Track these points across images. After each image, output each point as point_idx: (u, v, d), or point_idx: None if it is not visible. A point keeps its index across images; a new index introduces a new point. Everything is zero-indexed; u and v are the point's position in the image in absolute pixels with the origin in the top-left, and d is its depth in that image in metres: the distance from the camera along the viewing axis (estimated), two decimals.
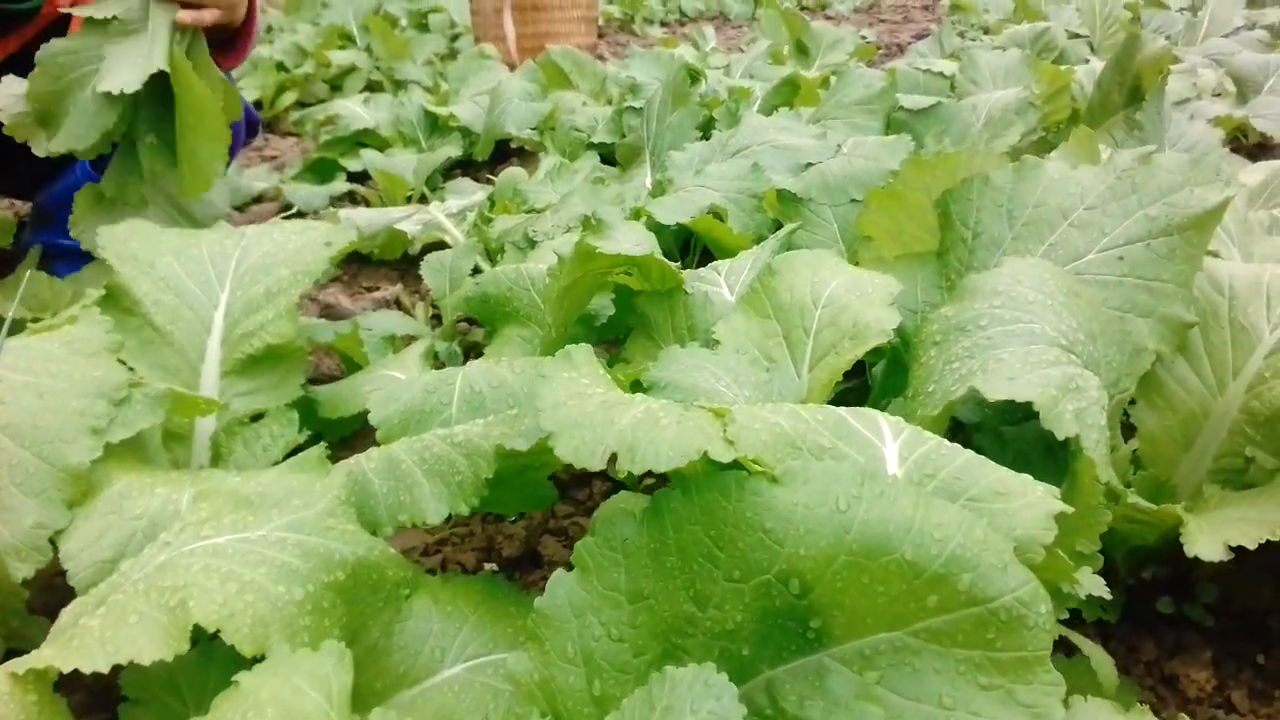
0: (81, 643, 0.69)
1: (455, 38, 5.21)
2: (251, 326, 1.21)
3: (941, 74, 2.89)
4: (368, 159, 2.63)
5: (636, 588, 0.69)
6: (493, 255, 2.00)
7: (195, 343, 1.21)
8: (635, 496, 1.12)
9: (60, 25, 1.77)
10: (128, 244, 1.23)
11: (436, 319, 1.98)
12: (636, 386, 0.96)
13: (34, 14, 1.74)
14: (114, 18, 1.37)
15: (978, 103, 2.44)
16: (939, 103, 2.28)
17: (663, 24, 7.59)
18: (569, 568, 1.19)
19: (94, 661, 0.67)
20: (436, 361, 1.55)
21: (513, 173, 2.39)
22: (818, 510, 0.64)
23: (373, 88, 4.06)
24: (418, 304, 1.97)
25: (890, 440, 0.74)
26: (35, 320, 1.13)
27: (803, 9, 8.43)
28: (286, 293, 1.21)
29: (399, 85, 4.13)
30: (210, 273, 1.25)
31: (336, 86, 4.02)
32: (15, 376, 0.94)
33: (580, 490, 1.36)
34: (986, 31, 5.51)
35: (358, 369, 1.51)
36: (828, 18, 8.33)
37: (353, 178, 2.80)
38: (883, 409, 1.18)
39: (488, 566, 1.22)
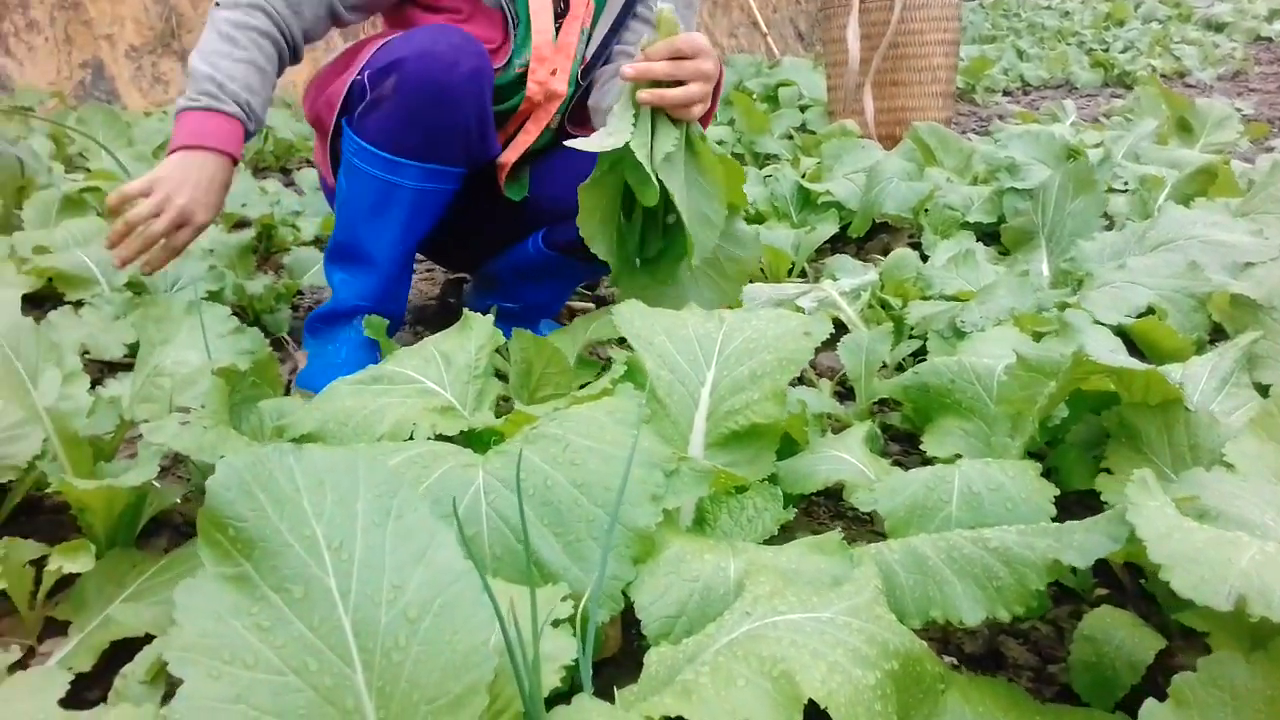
0: (700, 698, 0.78)
1: (804, 109, 5.37)
2: (737, 405, 1.32)
3: None
4: None
5: None
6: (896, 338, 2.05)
7: (685, 416, 1.34)
8: (1122, 613, 1.10)
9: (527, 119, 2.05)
10: (633, 323, 1.39)
11: (838, 395, 2.04)
12: None
13: (514, 111, 2.02)
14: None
15: None
16: None
17: (1005, 93, 7.40)
18: (1037, 674, 1.20)
19: (718, 717, 0.76)
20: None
21: (903, 254, 2.43)
22: None
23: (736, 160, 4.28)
24: (821, 380, 2.05)
25: None
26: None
27: (1160, 78, 7.91)
28: (772, 376, 1.31)
29: (758, 158, 4.32)
30: (698, 352, 1.38)
31: None
32: (581, 440, 1.09)
33: None
34: None
35: (790, 443, 1.60)
36: (1188, 86, 7.76)
37: None
38: None
39: (946, 660, 1.24)
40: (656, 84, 1.57)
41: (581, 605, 0.89)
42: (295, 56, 1.91)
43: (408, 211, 1.89)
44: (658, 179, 1.56)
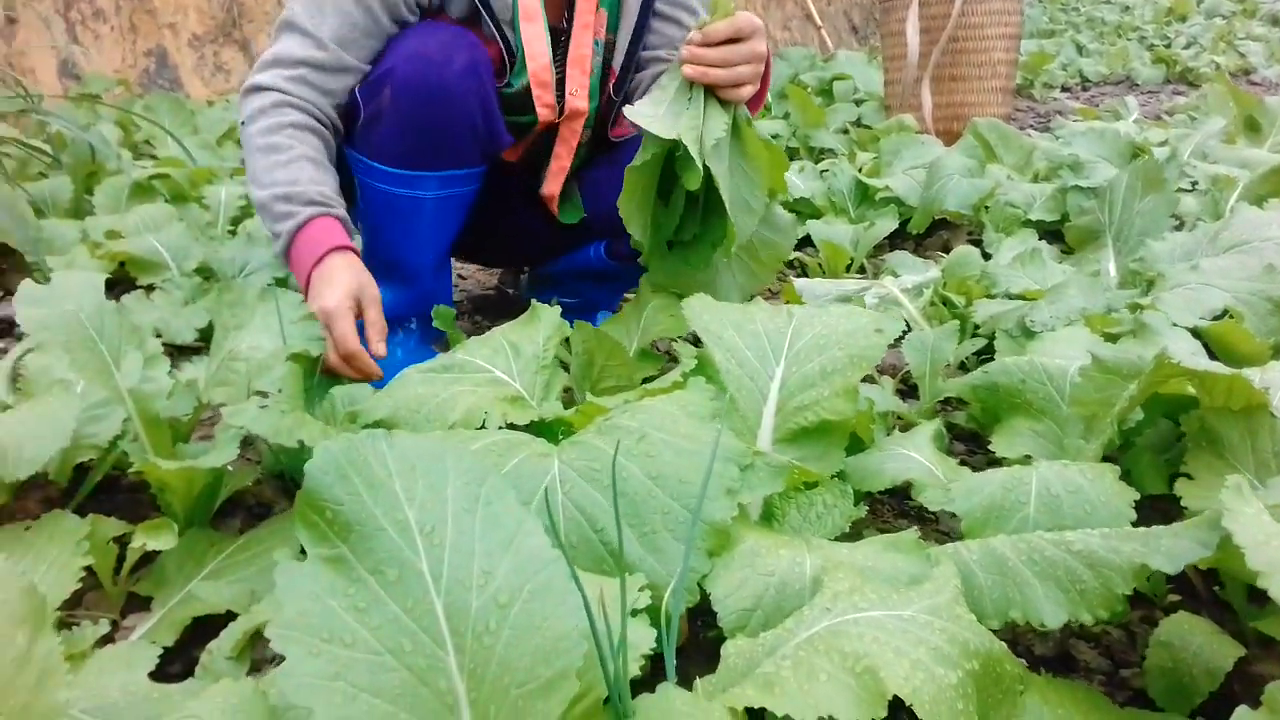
0: (783, 690, 0.79)
1: (859, 103, 5.33)
2: (806, 401, 1.32)
3: None
4: (813, 229, 2.76)
5: None
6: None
7: (754, 410, 1.34)
8: (1199, 620, 1.09)
9: (550, 131, 2.00)
10: (701, 317, 1.39)
11: (899, 393, 2.03)
12: None
13: (534, 125, 1.97)
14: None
15: None
16: None
17: (1064, 89, 7.27)
18: (1109, 679, 1.18)
19: (801, 711, 0.76)
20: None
21: (965, 251, 2.41)
22: None
23: (789, 155, 4.26)
24: (883, 378, 2.03)
25: None
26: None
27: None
28: (843, 373, 1.31)
29: (813, 152, 4.30)
30: (767, 347, 1.38)
31: None
32: (655, 433, 1.10)
33: None
34: None
35: (856, 441, 1.59)
36: (1252, 84, 7.58)
37: None
38: None
39: None
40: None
41: (666, 597, 0.90)
42: (338, 135, 1.82)
43: (432, 220, 1.85)
44: (704, 165, 1.56)
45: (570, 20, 1.90)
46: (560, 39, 1.91)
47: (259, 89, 1.72)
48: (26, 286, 1.31)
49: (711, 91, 1.59)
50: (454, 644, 0.74)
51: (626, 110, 1.54)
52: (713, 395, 1.18)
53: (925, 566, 0.98)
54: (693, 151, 1.52)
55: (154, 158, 3.55)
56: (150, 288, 2.26)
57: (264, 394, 1.35)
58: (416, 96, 1.71)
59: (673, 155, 1.60)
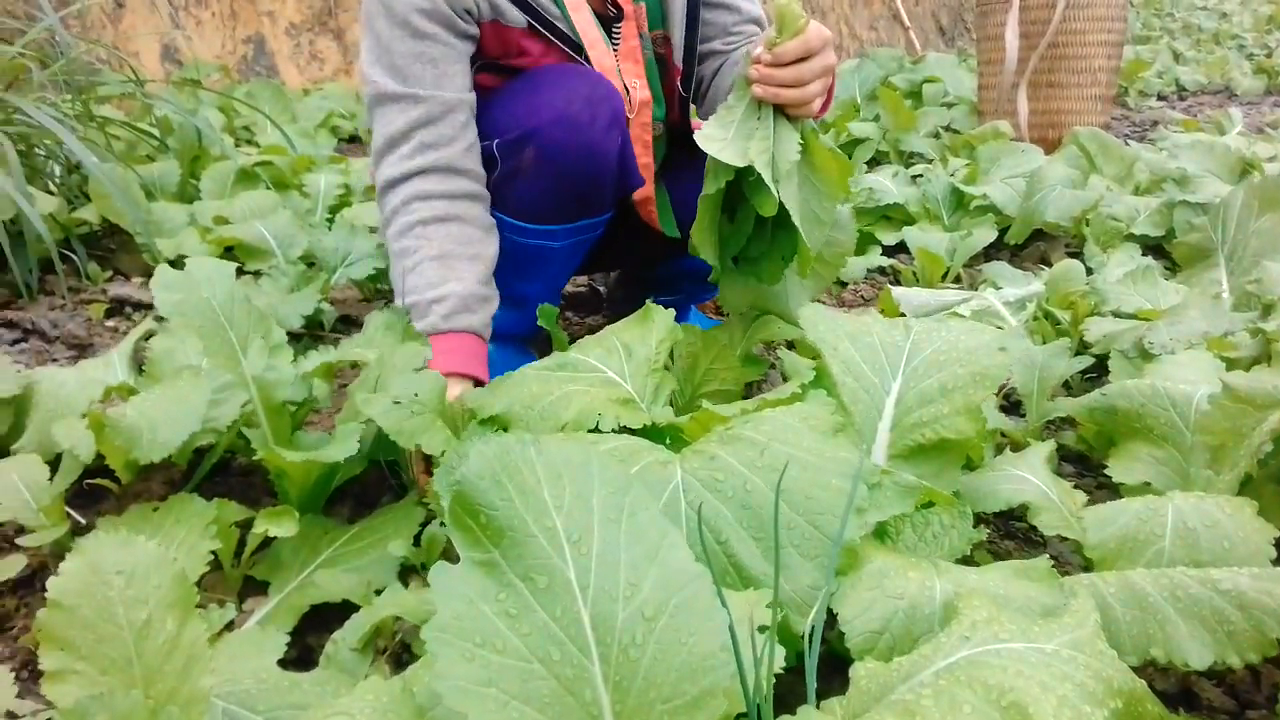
0: (925, 719, 0.77)
1: (949, 106, 5.23)
2: (925, 417, 1.29)
3: None
4: (909, 236, 2.72)
5: None
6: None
7: (869, 424, 1.32)
8: None
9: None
10: (817, 327, 1.38)
11: (1000, 410, 1.99)
12: None
13: None
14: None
15: None
16: None
17: (1160, 97, 7.06)
18: (1235, 718, 1.15)
19: None
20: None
21: (1069, 265, 2.34)
22: None
23: (878, 159, 4.20)
24: None
25: None
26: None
27: None
28: (964, 391, 1.28)
29: (903, 156, 4.23)
30: (883, 361, 1.36)
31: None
32: (778, 446, 1.09)
33: None
34: None
35: (967, 461, 1.56)
36: None
37: (885, 251, 2.92)
38: None
39: None
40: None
41: (810, 617, 0.89)
42: (479, 181, 1.73)
43: (559, 263, 1.85)
44: (776, 190, 1.50)
45: (616, 11, 1.85)
46: (610, 31, 1.84)
47: (390, 186, 1.69)
48: (163, 271, 1.35)
49: (780, 109, 1.54)
50: (600, 655, 0.74)
51: (696, 136, 1.49)
52: (834, 409, 1.16)
53: (1059, 597, 0.96)
54: (766, 177, 1.47)
55: (253, 144, 3.64)
56: (257, 274, 2.31)
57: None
58: (563, 159, 1.67)
59: (740, 175, 1.55)
